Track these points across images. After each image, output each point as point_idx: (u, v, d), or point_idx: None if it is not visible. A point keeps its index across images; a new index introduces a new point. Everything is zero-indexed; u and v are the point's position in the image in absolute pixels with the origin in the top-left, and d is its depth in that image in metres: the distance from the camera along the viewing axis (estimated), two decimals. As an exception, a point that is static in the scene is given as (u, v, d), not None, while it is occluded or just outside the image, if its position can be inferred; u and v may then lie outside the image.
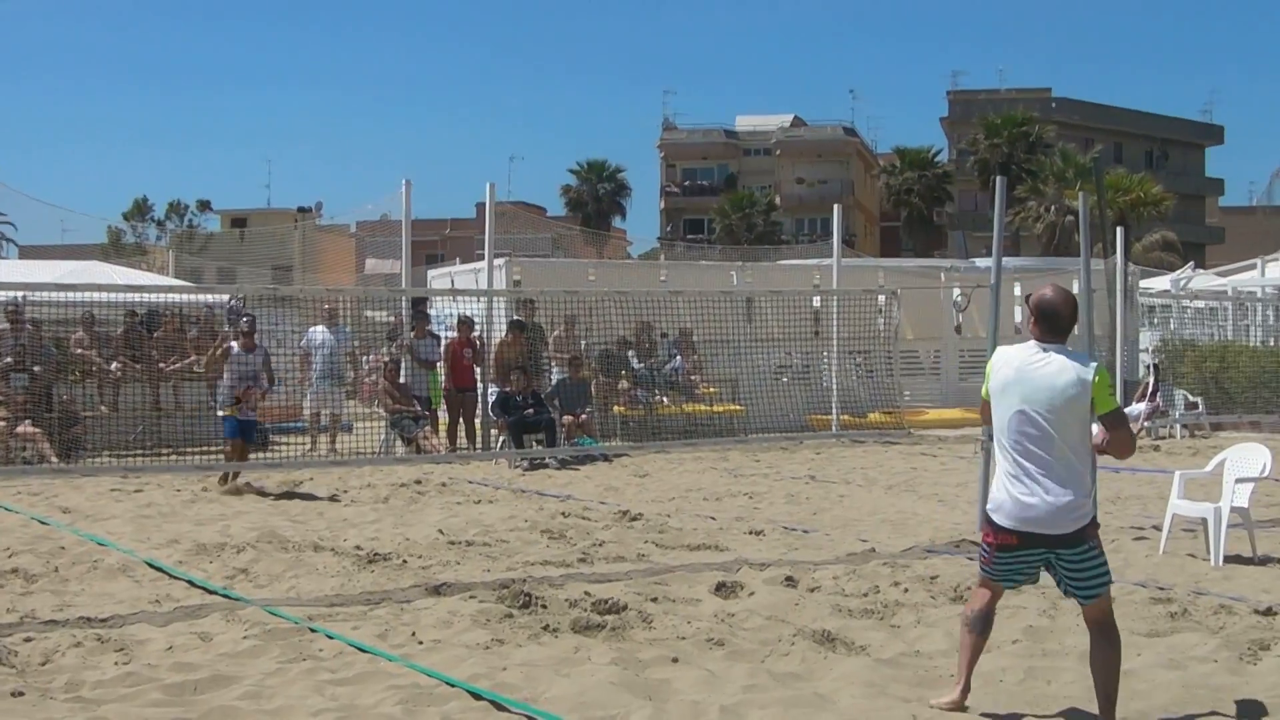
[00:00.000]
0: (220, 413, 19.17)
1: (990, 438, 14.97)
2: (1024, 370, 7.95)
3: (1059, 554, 7.87)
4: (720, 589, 11.68)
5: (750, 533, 15.23)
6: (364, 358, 27.85)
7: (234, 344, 19.13)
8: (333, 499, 18.42)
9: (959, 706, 8.14)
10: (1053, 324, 7.99)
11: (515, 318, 24.80)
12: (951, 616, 10.51)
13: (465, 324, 24.57)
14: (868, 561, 13.03)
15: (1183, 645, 9.66)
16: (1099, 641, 7.98)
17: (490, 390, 24.25)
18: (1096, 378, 7.79)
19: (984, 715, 8.00)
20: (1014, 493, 7.89)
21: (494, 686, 8.51)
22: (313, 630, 10.14)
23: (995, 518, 8.02)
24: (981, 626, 8.21)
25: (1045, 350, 7.95)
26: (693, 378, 27.50)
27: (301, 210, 74.14)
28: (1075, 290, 16.68)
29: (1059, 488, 7.79)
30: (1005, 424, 7.97)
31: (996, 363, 8.19)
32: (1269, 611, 10.63)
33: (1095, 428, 7.98)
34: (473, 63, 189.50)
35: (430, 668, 9.01)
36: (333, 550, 13.93)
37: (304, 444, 23.76)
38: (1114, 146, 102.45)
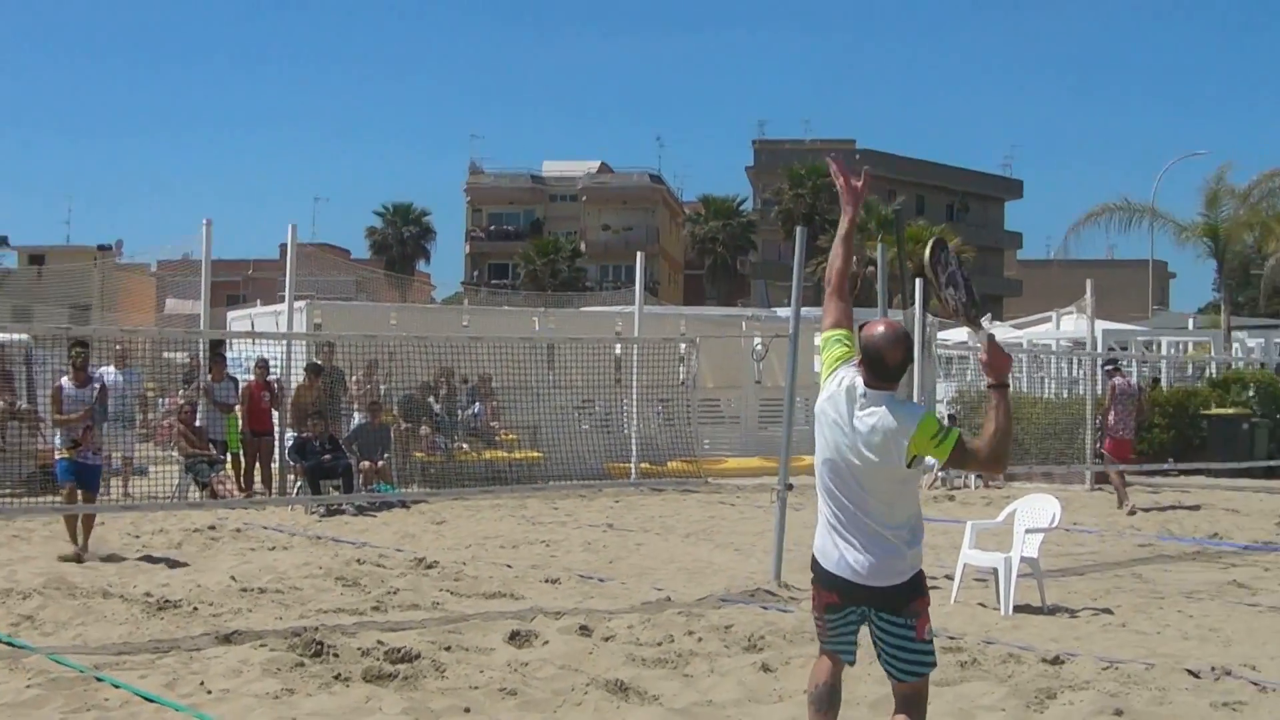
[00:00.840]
0: (57, 455, 17.95)
1: (788, 488, 15.23)
2: (839, 409, 7.20)
3: (879, 615, 7.16)
4: (514, 637, 11.66)
5: (546, 581, 15.24)
6: (160, 400, 27.44)
7: (65, 380, 18.01)
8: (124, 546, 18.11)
9: None
10: (876, 369, 7.13)
11: (313, 361, 24.62)
12: (745, 665, 10.62)
13: (262, 366, 24.34)
14: (663, 610, 13.08)
15: (971, 694, 9.81)
16: (904, 710, 7.35)
17: (288, 435, 24.02)
18: (920, 426, 6.94)
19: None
20: (830, 549, 7.22)
21: (282, 737, 8.44)
22: (99, 679, 9.96)
23: (821, 562, 7.27)
24: (826, 704, 7.39)
25: (869, 393, 7.13)
26: (493, 424, 27.47)
27: (101, 248, 73.03)
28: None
29: (870, 544, 7.08)
30: (825, 466, 7.25)
31: (833, 380, 7.42)
32: (1056, 660, 10.83)
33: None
34: (278, 101, 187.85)
35: (218, 717, 8.90)
36: (122, 597, 13.71)
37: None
38: (916, 199, 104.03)
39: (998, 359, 7.08)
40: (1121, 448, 24.63)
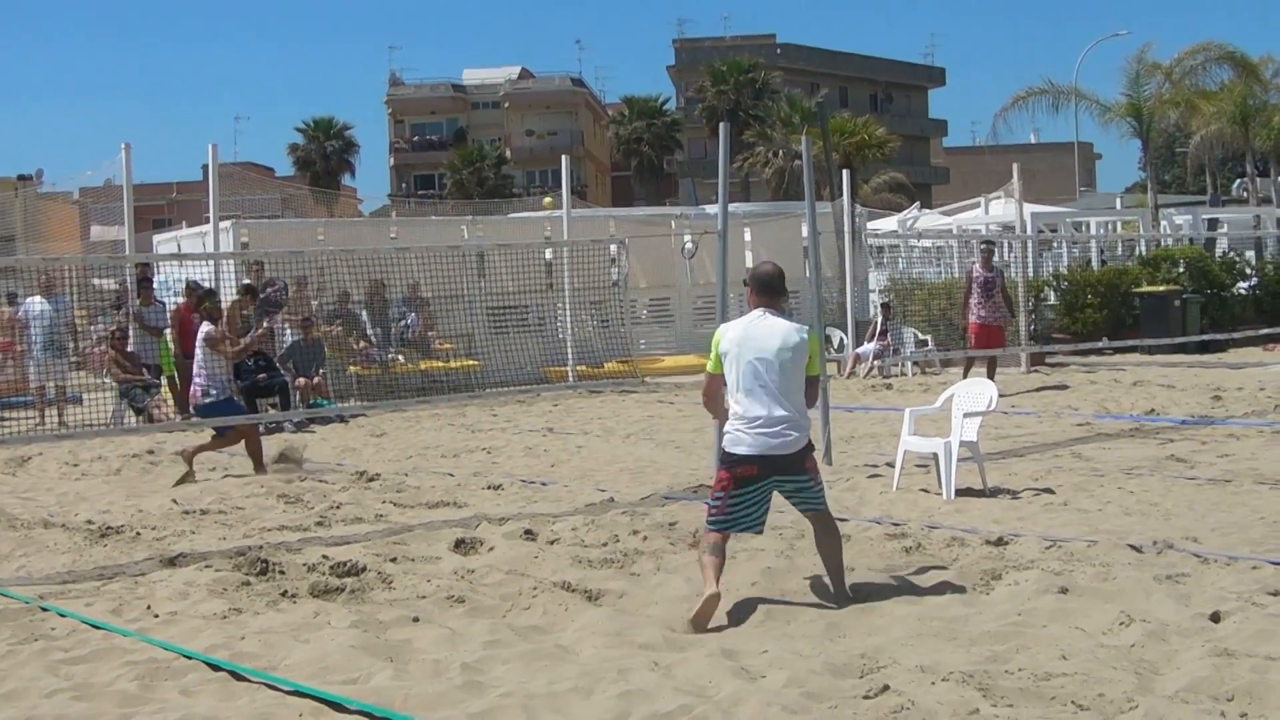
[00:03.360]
0: None
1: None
2: (751, 330, 9.43)
3: (790, 479, 9.37)
4: (459, 546, 11.65)
5: (489, 488, 15.25)
6: (92, 327, 27.24)
7: None
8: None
9: (715, 596, 8.98)
10: (769, 292, 9.57)
11: (245, 281, 24.41)
12: (691, 562, 10.62)
13: (192, 289, 24.13)
14: (606, 511, 13.09)
15: (918, 579, 9.87)
16: (822, 532, 9.55)
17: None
18: (810, 339, 9.46)
19: (724, 652, 8.08)
20: (753, 430, 9.25)
21: (232, 656, 8.39)
22: (44, 609, 9.89)
23: (737, 451, 9.32)
24: (718, 552, 9.32)
25: (765, 314, 9.49)
26: (428, 334, 27.40)
27: (21, 178, 72.07)
28: (804, 233, 16.70)
29: (789, 419, 9.26)
30: (742, 375, 9.33)
31: (723, 333, 9.62)
32: (1000, 541, 10.91)
33: None
34: (193, 20, 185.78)
35: (166, 640, 8.85)
36: (63, 526, 13.62)
37: (32, 418, 23.16)
38: (839, 91, 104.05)
39: None
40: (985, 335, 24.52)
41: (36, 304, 24.27)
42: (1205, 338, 31.50)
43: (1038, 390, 24.05)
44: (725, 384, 9.60)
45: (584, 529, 12.20)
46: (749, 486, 9.37)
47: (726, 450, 9.44)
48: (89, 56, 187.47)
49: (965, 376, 22.87)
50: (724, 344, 9.53)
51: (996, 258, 27.02)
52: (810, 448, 9.50)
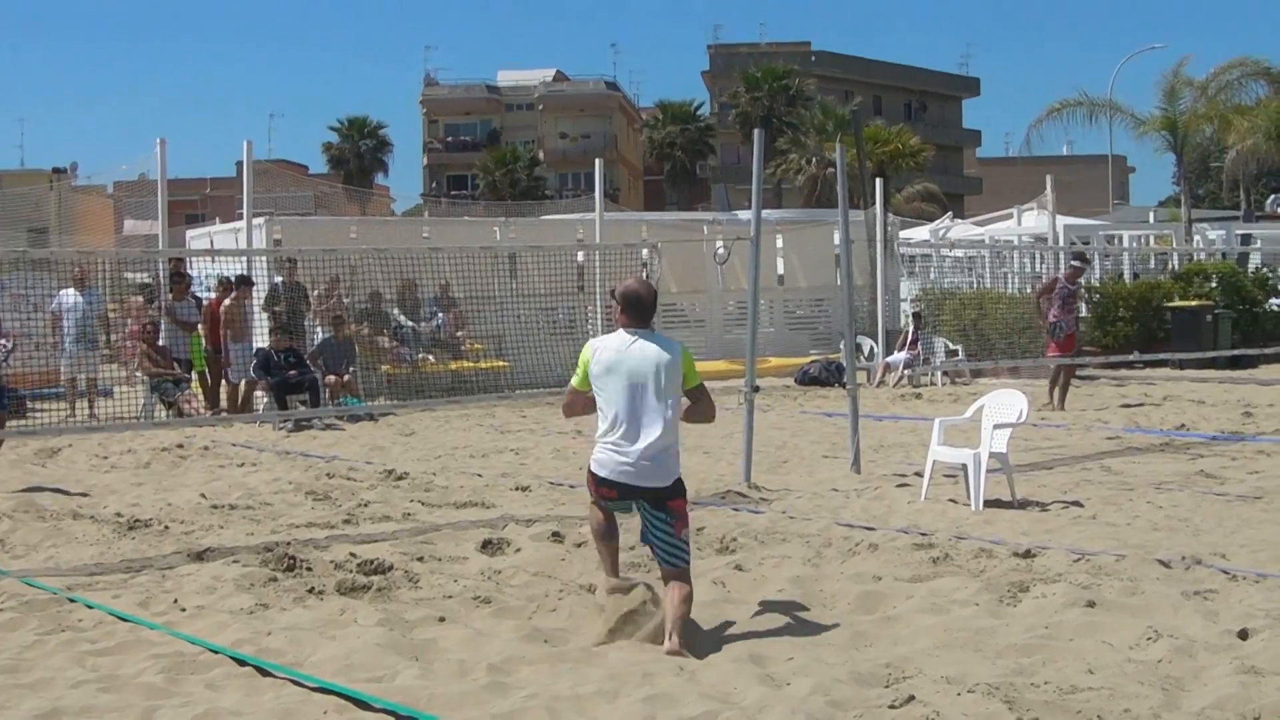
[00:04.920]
0: None
1: (755, 390, 15.28)
2: (623, 353, 9.04)
3: (650, 512, 8.99)
4: (487, 546, 11.66)
5: (517, 489, 15.25)
6: (125, 321, 27.33)
7: None
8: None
9: (623, 582, 9.18)
10: (638, 312, 9.18)
11: (240, 274, 24.43)
12: (718, 567, 10.65)
13: (224, 285, 24.22)
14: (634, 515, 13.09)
15: (945, 589, 9.82)
16: (672, 585, 8.88)
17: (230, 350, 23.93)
18: (684, 356, 9.11)
19: (750, 659, 8.08)
20: (614, 455, 8.92)
21: (258, 652, 8.41)
22: (72, 600, 9.92)
23: (599, 472, 9.00)
24: (610, 535, 9.28)
25: (635, 334, 9.10)
26: (458, 334, 27.43)
27: (57, 171, 72.29)
28: (836, 241, 16.65)
29: (654, 451, 8.87)
30: (609, 400, 9.00)
31: (594, 349, 9.22)
32: (1027, 554, 10.86)
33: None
34: (230, 18, 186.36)
35: (193, 635, 8.87)
36: (92, 518, 13.65)
37: (63, 410, 23.26)
38: (873, 99, 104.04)
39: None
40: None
41: (69, 296, 24.34)
42: (1237, 353, 31.41)
43: (1123, 406, 23.78)
44: (588, 399, 9.30)
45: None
46: (611, 501, 9.12)
47: (591, 468, 9.10)
48: (126, 52, 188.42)
49: (1061, 385, 22.93)
50: (595, 365, 9.12)
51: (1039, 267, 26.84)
52: (678, 489, 9.07)
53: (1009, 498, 13.67)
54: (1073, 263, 24.42)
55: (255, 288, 24.28)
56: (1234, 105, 44.31)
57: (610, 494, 9.03)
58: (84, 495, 15.28)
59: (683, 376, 9.06)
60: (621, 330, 9.17)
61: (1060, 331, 23.38)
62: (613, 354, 9.07)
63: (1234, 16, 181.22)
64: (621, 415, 8.95)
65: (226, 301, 24.14)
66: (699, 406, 9.39)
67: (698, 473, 16.36)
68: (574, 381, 9.43)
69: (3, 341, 17.69)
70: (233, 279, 24.23)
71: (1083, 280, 25.75)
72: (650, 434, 8.87)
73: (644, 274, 29.38)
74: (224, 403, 24.17)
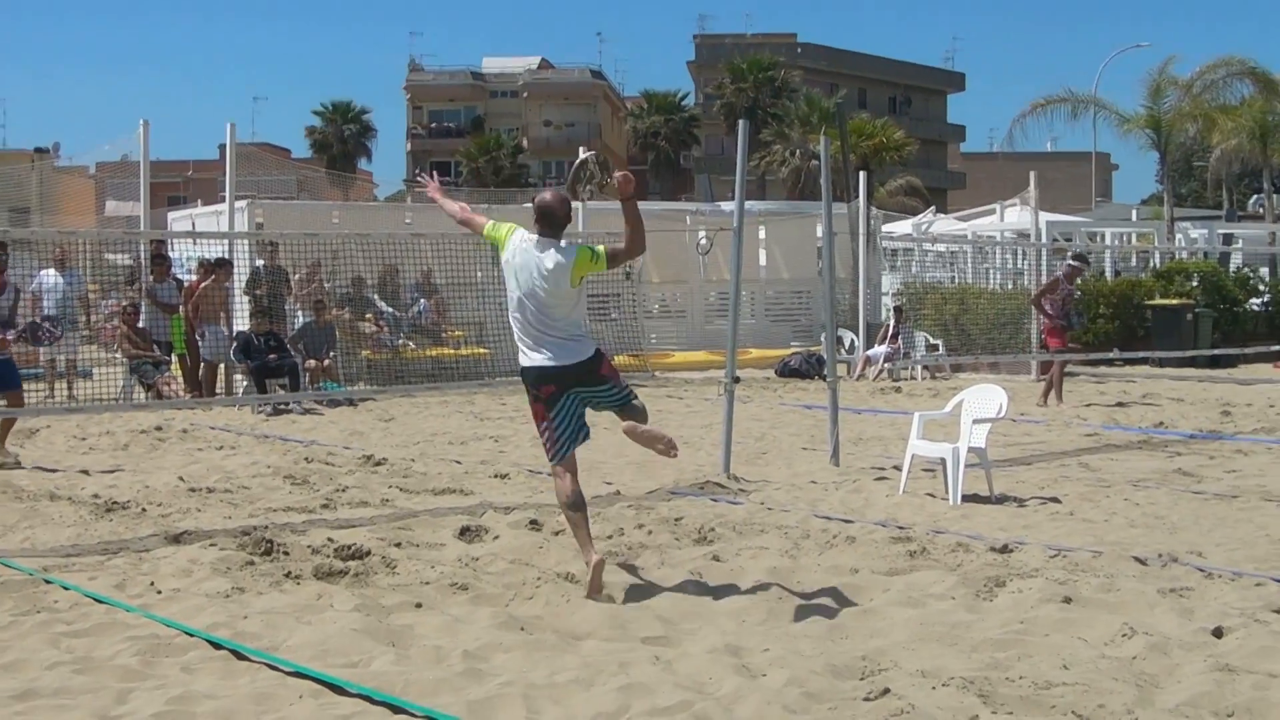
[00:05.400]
0: None
1: (735, 381, 15.32)
2: (526, 258, 9.76)
3: (589, 389, 9.90)
4: (464, 533, 11.65)
5: (495, 476, 15.25)
6: (103, 302, 27.27)
7: None
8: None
9: (600, 563, 9.60)
10: (549, 221, 9.79)
11: (219, 256, 24.39)
12: (696, 558, 10.65)
13: (205, 267, 24.17)
14: (612, 504, 13.12)
15: (921, 583, 9.83)
16: (633, 413, 10.13)
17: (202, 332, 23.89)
18: (578, 260, 9.68)
19: (726, 649, 8.08)
20: (535, 355, 9.77)
21: (234, 635, 8.40)
22: (47, 581, 9.90)
23: (531, 367, 9.80)
24: (581, 504, 9.85)
25: (541, 241, 9.77)
26: (438, 321, 27.42)
27: (38, 151, 72.06)
28: (819, 233, 16.61)
29: (562, 338, 9.73)
30: (517, 298, 9.78)
31: (512, 240, 9.97)
32: (1004, 549, 10.86)
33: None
34: (215, 1, 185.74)
35: (169, 617, 8.86)
36: (69, 499, 13.63)
37: (41, 390, 23.20)
38: (858, 92, 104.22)
39: (625, 183, 9.75)
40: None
41: (50, 277, 24.28)
42: (1216, 352, 31.54)
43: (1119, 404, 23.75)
44: (477, 226, 10.45)
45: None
46: (558, 402, 9.82)
47: (523, 369, 9.91)
48: (109, 29, 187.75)
49: (1056, 380, 23.01)
50: (506, 252, 9.94)
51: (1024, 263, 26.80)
52: (599, 355, 9.96)
53: (987, 493, 13.70)
54: (1071, 262, 24.44)
55: (234, 270, 24.22)
56: (1218, 104, 44.34)
57: (549, 389, 9.80)
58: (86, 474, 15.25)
59: (575, 278, 9.70)
60: (535, 237, 9.84)
61: (1056, 323, 23.53)
62: (521, 254, 9.82)
63: (1220, 16, 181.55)
64: (529, 316, 9.75)
65: (205, 283, 24.09)
66: (628, 251, 10.12)
67: (677, 462, 16.34)
68: (488, 230, 10.31)
69: (50, 327, 17.59)
70: (212, 261, 24.20)
71: (1080, 280, 25.62)
72: (553, 331, 9.72)
73: (627, 265, 29.47)
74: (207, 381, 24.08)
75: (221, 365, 24.04)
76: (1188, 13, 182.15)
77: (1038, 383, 26.86)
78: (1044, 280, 26.91)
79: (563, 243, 9.81)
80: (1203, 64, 44.02)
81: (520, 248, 9.82)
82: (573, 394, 9.85)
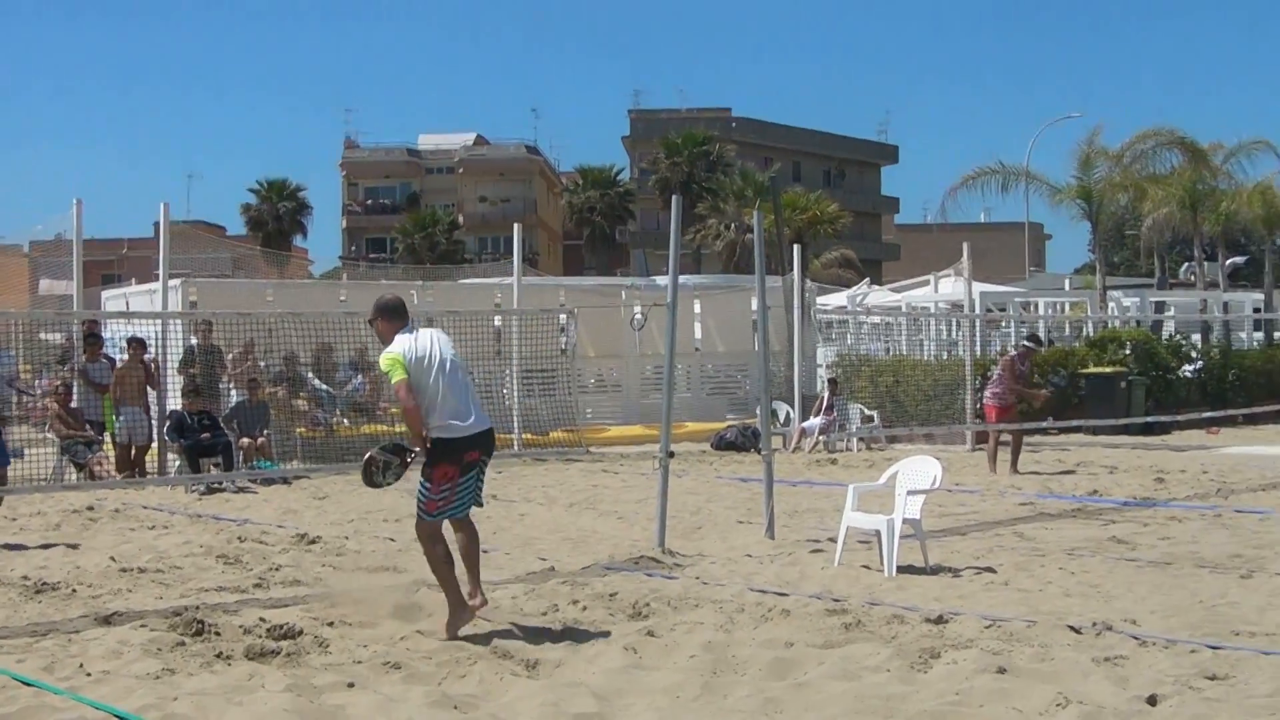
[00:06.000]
0: None
1: (670, 455, 15.29)
2: (424, 344, 10.77)
3: (483, 461, 10.97)
4: (397, 611, 11.59)
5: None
6: (36, 381, 27.07)
7: None
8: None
9: (473, 610, 10.76)
10: (402, 314, 10.95)
11: (135, 336, 24.30)
12: (630, 633, 10.63)
13: (137, 345, 24.04)
14: (547, 580, 13.08)
15: (857, 655, 9.82)
16: (468, 535, 11.08)
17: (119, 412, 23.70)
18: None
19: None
20: (465, 421, 10.66)
21: (164, 717, 8.33)
22: (-26, 665, 9.79)
23: (460, 438, 10.65)
24: (451, 559, 10.90)
25: (413, 330, 10.87)
26: (372, 398, 27.32)
27: (-28, 230, 71.77)
28: (754, 306, 16.53)
29: (479, 409, 10.86)
30: (443, 378, 10.62)
31: (406, 348, 10.67)
32: (940, 620, 10.89)
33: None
34: (148, 77, 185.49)
35: (98, 700, 8.77)
36: (-2, 581, 13.50)
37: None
38: (792, 165, 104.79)
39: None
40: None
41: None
42: (1150, 419, 31.76)
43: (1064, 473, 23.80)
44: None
45: (524, 597, 12.18)
46: (471, 471, 10.81)
47: (447, 439, 10.63)
48: (41, 106, 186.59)
49: (1014, 449, 23.14)
50: (412, 359, 10.64)
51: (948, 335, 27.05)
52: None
53: (922, 563, 13.73)
54: (1025, 343, 24.85)
55: (147, 349, 24.09)
56: (1148, 174, 44.80)
57: (474, 455, 10.78)
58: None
59: None
60: (403, 333, 10.84)
61: (1004, 400, 23.73)
62: (423, 346, 10.75)
63: (1150, 87, 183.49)
64: (456, 384, 10.71)
65: (118, 365, 24.00)
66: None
67: (611, 537, 16.35)
68: (399, 376, 10.60)
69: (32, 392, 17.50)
70: (126, 340, 24.13)
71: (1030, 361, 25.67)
72: (470, 397, 10.83)
73: (562, 340, 29.51)
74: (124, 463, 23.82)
75: (154, 445, 23.84)
76: (1119, 83, 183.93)
77: (972, 452, 27.02)
78: (972, 350, 27.25)
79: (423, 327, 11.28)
80: (1133, 134, 44.57)
81: (409, 343, 10.76)
82: (481, 465, 10.93)
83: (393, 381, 10.66)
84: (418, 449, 10.77)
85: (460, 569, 10.91)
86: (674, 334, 15.91)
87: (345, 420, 26.76)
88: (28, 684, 9.25)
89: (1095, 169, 43.25)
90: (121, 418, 23.66)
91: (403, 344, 10.69)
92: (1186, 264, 65.55)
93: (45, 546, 16.22)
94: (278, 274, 71.18)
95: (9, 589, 13.07)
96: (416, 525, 11.06)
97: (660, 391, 18.46)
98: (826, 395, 29.65)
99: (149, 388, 23.97)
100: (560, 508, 19.62)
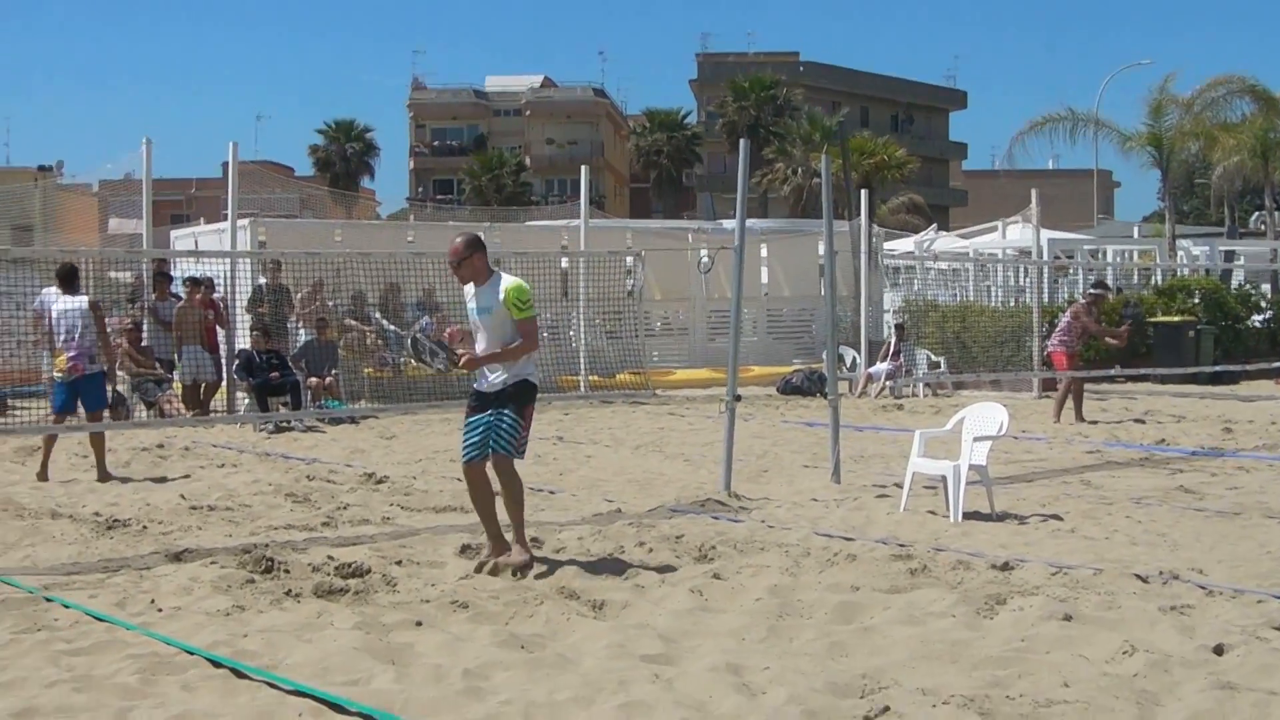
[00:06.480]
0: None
1: (737, 399, 15.31)
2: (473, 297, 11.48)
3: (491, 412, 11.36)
4: (465, 551, 11.66)
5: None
6: (107, 319, 27.23)
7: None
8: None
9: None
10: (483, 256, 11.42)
11: (191, 275, 24.42)
12: (696, 575, 10.63)
13: (193, 285, 24.13)
14: (613, 522, 13.11)
15: (922, 601, 9.81)
16: (503, 485, 11.31)
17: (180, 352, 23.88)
18: (505, 294, 11.12)
19: (726, 667, 8.06)
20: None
21: (234, 654, 8.40)
22: (48, 600, 9.91)
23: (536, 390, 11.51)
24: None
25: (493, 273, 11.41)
26: (442, 338, 27.36)
27: (42, 169, 72.08)
28: (821, 251, 16.46)
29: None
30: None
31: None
32: (1005, 566, 10.85)
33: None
34: (218, 19, 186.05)
35: (169, 635, 8.86)
36: (71, 517, 13.65)
37: (43, 409, 23.14)
38: (860, 110, 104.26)
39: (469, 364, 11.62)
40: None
41: (52, 295, 24.23)
42: (1218, 369, 31.50)
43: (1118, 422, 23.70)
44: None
45: (590, 539, 12.21)
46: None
47: (534, 384, 11.67)
48: (112, 48, 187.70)
49: (1075, 396, 23.06)
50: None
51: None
52: (513, 394, 11.40)
53: (988, 510, 13.69)
54: (1092, 290, 24.66)
55: (214, 289, 24.20)
56: (1219, 122, 44.41)
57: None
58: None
59: (507, 309, 11.19)
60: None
61: (1072, 347, 23.66)
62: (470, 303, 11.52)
63: (1222, 33, 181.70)
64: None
65: (180, 304, 24.13)
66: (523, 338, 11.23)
67: (678, 480, 16.37)
68: (535, 313, 11.42)
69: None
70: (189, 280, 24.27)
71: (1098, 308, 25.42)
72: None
73: (628, 282, 29.46)
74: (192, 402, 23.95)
75: (223, 384, 23.96)
76: (1190, 29, 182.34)
77: (1040, 400, 26.89)
78: (1040, 298, 27.14)
79: (501, 276, 11.61)
80: (1203, 82, 44.16)
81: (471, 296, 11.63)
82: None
83: (529, 316, 11.15)
84: (460, 353, 11.49)
85: (501, 513, 11.28)
86: (741, 278, 15.89)
87: (413, 360, 26.80)
88: (100, 619, 9.36)
89: (1166, 116, 42.91)
90: (183, 358, 23.80)
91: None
92: (1257, 213, 65.08)
93: (123, 480, 16.44)
94: (345, 215, 71.35)
95: (80, 525, 13.22)
96: (500, 462, 11.26)
97: (726, 335, 18.44)
98: (893, 341, 29.57)
99: (218, 327, 24.10)
100: (627, 450, 19.66)
